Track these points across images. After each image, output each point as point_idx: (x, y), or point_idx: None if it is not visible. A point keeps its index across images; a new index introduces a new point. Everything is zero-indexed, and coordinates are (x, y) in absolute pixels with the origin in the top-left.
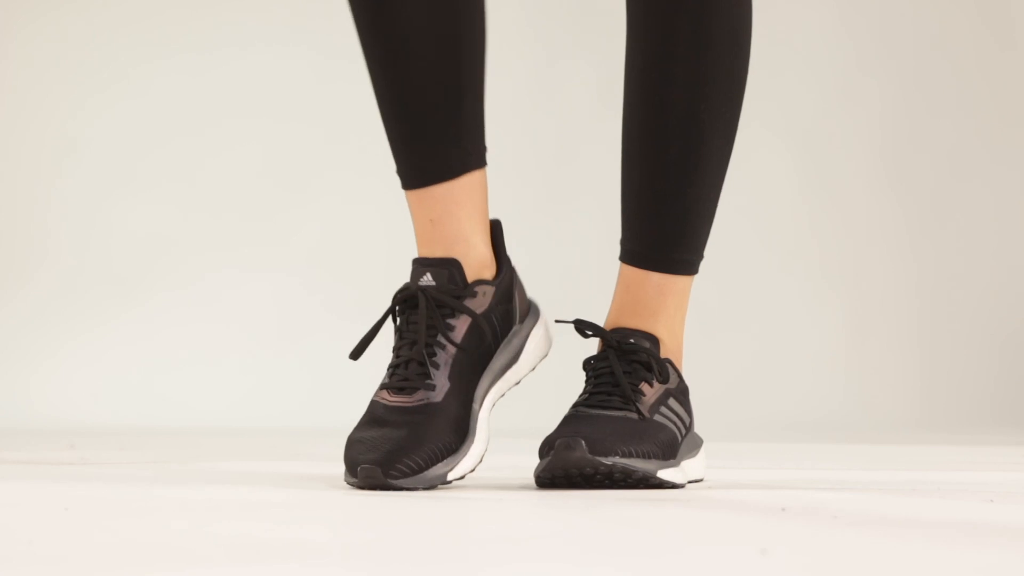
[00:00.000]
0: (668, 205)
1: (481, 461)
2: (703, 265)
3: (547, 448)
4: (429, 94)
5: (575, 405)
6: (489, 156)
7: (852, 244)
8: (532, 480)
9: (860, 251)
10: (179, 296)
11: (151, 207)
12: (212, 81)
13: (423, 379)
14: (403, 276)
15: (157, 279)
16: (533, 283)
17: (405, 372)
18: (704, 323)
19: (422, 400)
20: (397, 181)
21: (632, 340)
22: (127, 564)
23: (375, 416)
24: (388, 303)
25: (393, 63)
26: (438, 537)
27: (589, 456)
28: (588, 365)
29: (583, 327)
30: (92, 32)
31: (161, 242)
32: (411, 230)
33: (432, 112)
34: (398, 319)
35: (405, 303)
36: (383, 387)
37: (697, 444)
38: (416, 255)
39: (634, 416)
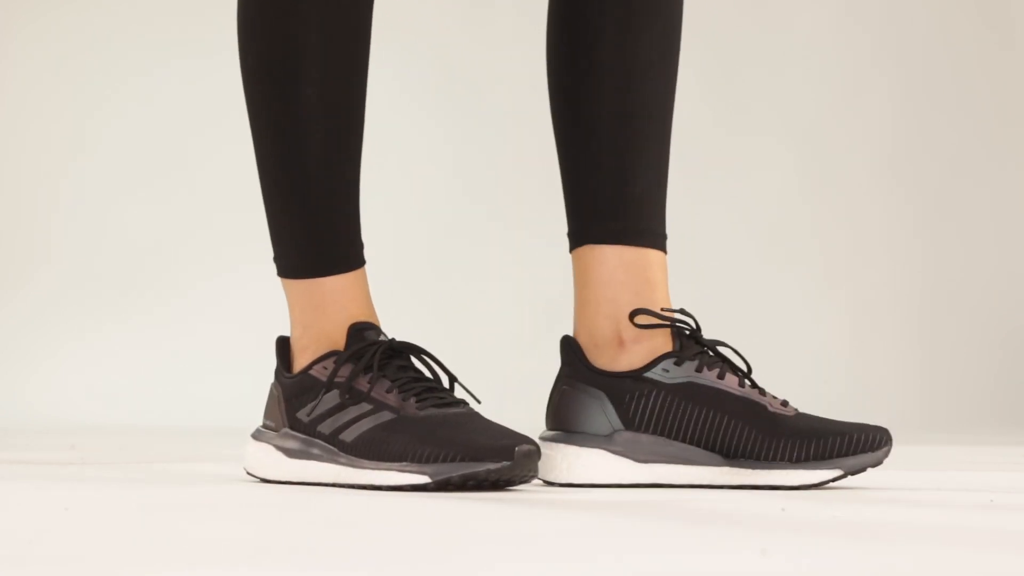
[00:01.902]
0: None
1: None
2: (704, 264)
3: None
4: (335, 188)
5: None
6: (490, 156)
7: (852, 243)
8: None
9: (860, 250)
10: (179, 296)
11: (152, 207)
12: (216, 82)
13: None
14: (405, 275)
15: (158, 279)
16: (533, 283)
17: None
18: (704, 322)
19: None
20: (399, 182)
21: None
22: (127, 564)
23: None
24: (392, 300)
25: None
26: (438, 537)
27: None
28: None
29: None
30: (94, 33)
31: (162, 242)
32: (412, 229)
33: (339, 203)
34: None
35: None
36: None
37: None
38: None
39: None
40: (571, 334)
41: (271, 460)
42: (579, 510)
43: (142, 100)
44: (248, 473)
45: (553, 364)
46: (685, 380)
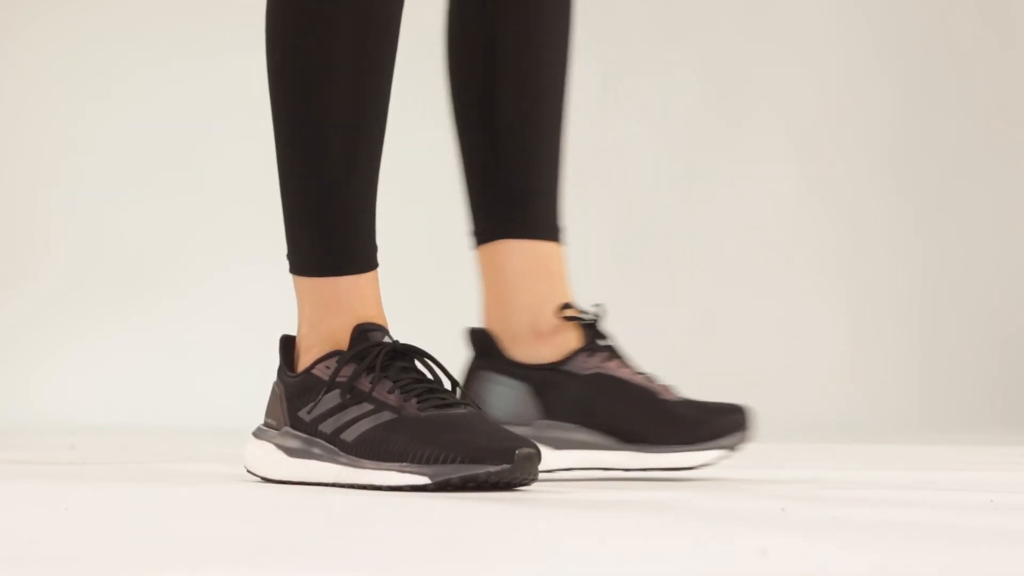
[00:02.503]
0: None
1: None
2: (705, 264)
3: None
4: (353, 186)
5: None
6: None
7: (852, 244)
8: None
9: (860, 250)
10: (179, 296)
11: (152, 207)
12: (215, 81)
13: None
14: (406, 274)
15: (158, 279)
16: None
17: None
18: (705, 323)
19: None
20: (398, 181)
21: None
22: (127, 564)
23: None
24: (392, 300)
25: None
26: (438, 537)
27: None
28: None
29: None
30: (93, 33)
31: (162, 242)
32: (412, 228)
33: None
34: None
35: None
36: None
37: None
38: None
39: None
40: (479, 326)
41: (272, 459)
42: (579, 510)
43: (143, 99)
44: (248, 471)
45: None
46: (595, 371)
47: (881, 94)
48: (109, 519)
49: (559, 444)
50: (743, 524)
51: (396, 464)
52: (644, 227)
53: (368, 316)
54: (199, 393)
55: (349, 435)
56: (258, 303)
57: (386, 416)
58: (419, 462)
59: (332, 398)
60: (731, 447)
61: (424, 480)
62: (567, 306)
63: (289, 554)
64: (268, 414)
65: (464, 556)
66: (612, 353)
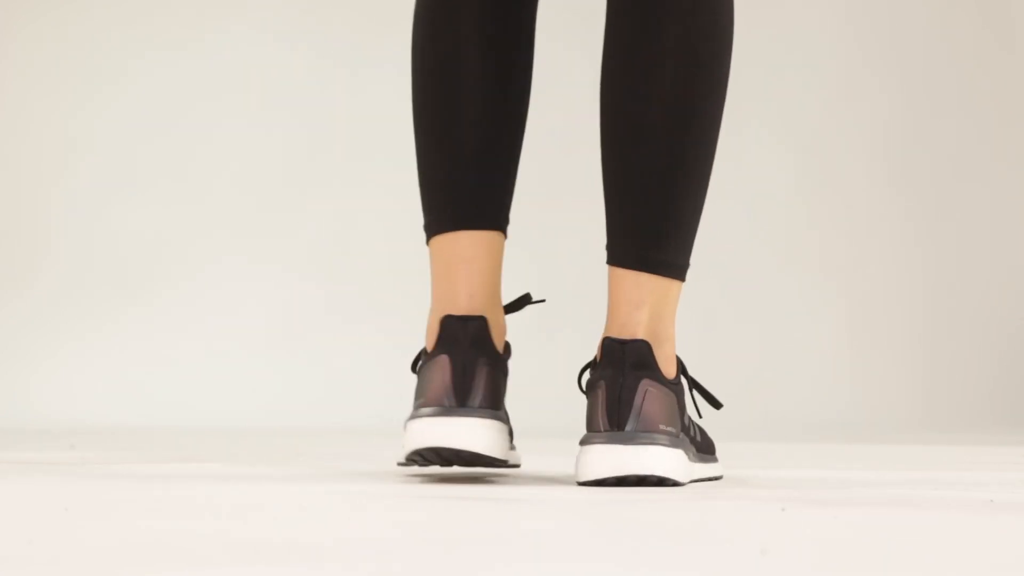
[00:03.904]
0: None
1: None
2: (705, 264)
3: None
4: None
5: None
6: None
7: (852, 244)
8: (530, 480)
9: (861, 251)
10: (179, 296)
11: (152, 207)
12: (214, 80)
13: None
14: (405, 274)
15: (158, 279)
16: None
17: None
18: (705, 323)
19: None
20: (398, 182)
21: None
22: (127, 564)
23: None
24: (393, 299)
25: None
26: (438, 537)
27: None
28: None
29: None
30: (92, 32)
31: (162, 242)
32: (410, 227)
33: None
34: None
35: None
36: None
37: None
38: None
39: None
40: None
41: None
42: (579, 510)
43: (143, 100)
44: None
45: (551, 365)
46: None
47: (881, 94)
48: (109, 519)
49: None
50: (743, 524)
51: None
52: None
53: None
54: (199, 393)
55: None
56: (258, 303)
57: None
58: None
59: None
60: None
61: None
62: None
63: (288, 554)
64: (669, 422)
65: (464, 556)
66: None
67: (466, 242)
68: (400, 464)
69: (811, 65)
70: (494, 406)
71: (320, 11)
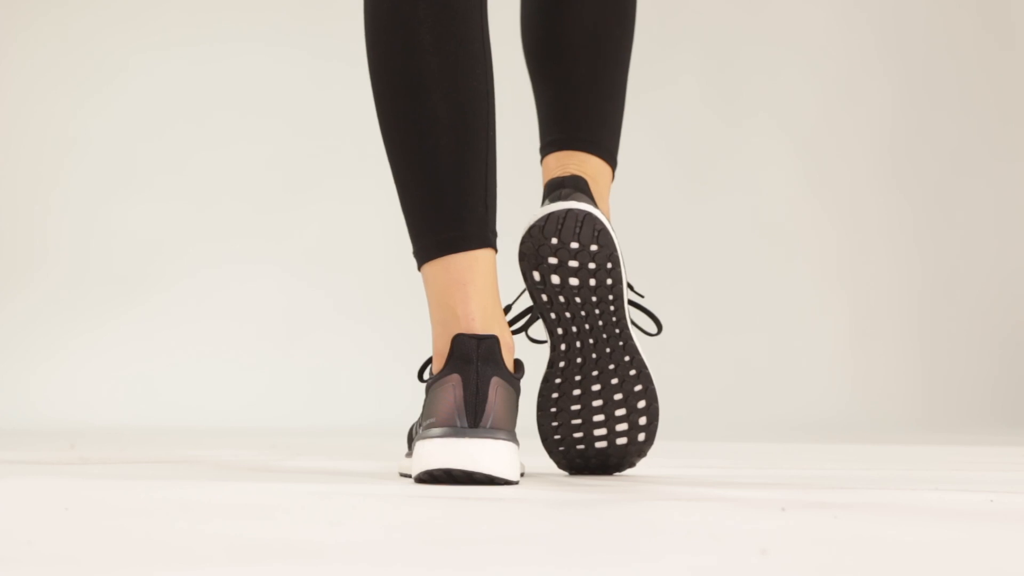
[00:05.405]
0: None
1: None
2: (706, 264)
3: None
4: (462, 167)
5: None
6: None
7: (853, 244)
8: (530, 480)
9: (861, 251)
10: (179, 296)
11: (151, 207)
12: (213, 80)
13: None
14: (404, 274)
15: (157, 279)
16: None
17: None
18: (705, 323)
19: None
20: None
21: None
22: (127, 564)
23: None
24: (391, 299)
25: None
26: (438, 537)
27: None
28: None
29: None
30: (92, 32)
31: (161, 242)
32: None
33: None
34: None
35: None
36: None
37: None
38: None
39: None
40: None
41: None
42: (579, 510)
43: (143, 100)
44: None
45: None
46: None
47: (881, 94)
48: (109, 519)
49: None
50: (743, 524)
51: None
52: (644, 227)
53: None
54: (198, 393)
55: None
56: (258, 303)
57: None
58: None
59: None
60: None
61: None
62: None
63: (289, 554)
64: None
65: (464, 556)
66: None
67: (460, 264)
68: (405, 476)
69: (811, 66)
70: (507, 427)
71: (319, 11)
